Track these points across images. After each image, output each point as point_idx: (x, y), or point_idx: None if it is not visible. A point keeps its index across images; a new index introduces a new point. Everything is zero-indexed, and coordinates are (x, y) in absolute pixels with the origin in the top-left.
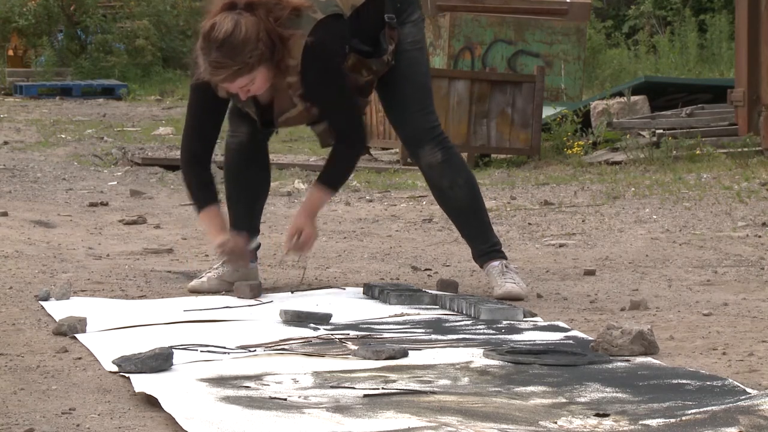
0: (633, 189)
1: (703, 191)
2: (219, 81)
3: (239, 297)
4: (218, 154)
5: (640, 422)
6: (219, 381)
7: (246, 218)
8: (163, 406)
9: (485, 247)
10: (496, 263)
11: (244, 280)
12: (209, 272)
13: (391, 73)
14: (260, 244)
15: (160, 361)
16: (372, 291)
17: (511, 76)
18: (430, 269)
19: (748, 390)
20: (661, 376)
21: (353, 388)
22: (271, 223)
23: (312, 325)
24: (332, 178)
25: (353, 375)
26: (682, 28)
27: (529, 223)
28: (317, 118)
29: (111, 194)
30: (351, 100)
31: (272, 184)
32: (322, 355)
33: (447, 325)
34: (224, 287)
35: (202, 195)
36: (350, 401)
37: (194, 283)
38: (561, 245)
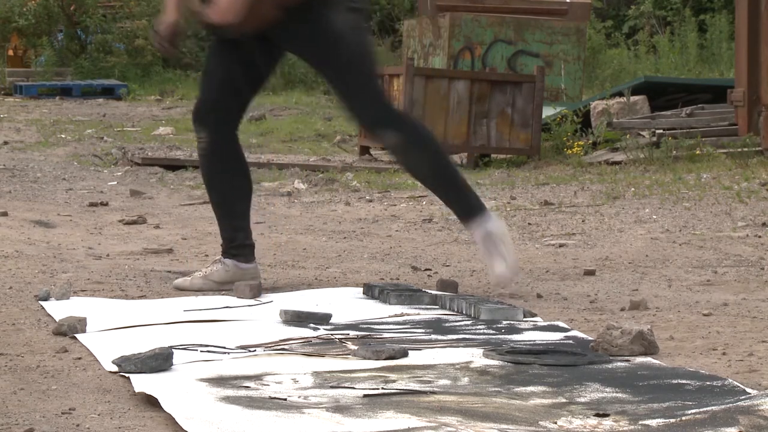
0: (633, 189)
1: (703, 191)
2: None
3: (239, 297)
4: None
5: (640, 422)
6: (219, 381)
7: (226, 220)
8: (163, 406)
9: (464, 211)
10: (478, 232)
11: (246, 280)
12: (198, 272)
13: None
14: (254, 243)
15: (160, 361)
16: (372, 291)
17: (511, 76)
18: (430, 269)
19: (748, 390)
20: (661, 376)
21: (353, 388)
22: (271, 223)
23: (312, 325)
24: None
25: (353, 375)
26: (682, 28)
27: (529, 223)
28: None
29: (111, 194)
30: None
31: (272, 184)
32: (322, 355)
33: (447, 325)
34: (209, 286)
35: None
36: (350, 401)
37: (179, 281)
38: (561, 245)
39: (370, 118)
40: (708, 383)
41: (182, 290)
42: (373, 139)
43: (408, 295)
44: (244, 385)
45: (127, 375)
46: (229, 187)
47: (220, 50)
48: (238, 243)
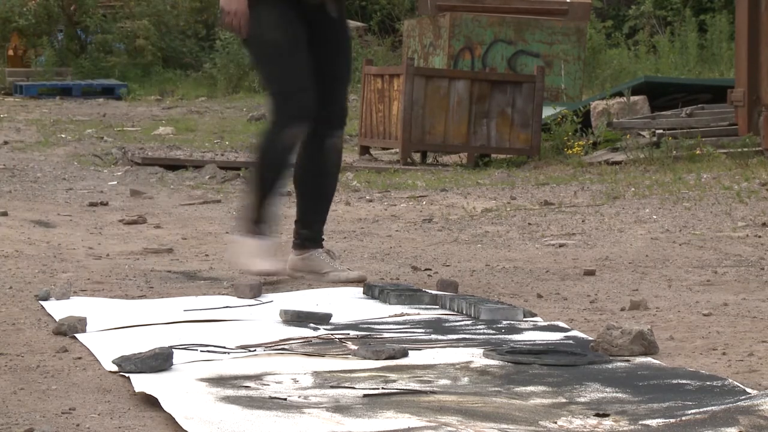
0: (633, 189)
1: (703, 191)
2: None
3: (239, 297)
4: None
5: (640, 422)
6: (219, 381)
7: (275, 209)
8: (162, 406)
9: (321, 234)
10: (322, 250)
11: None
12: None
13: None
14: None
15: (160, 360)
16: (372, 291)
17: (511, 76)
18: (430, 269)
19: (748, 390)
20: (661, 376)
21: (353, 388)
22: None
23: (312, 325)
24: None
25: (353, 375)
26: (682, 28)
27: (529, 223)
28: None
29: (111, 194)
30: None
31: None
32: (322, 355)
33: (447, 325)
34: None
35: None
36: (350, 401)
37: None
38: (561, 245)
39: (345, 114)
40: (708, 383)
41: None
42: (331, 132)
43: (408, 295)
44: (244, 385)
45: (127, 375)
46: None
47: (300, 41)
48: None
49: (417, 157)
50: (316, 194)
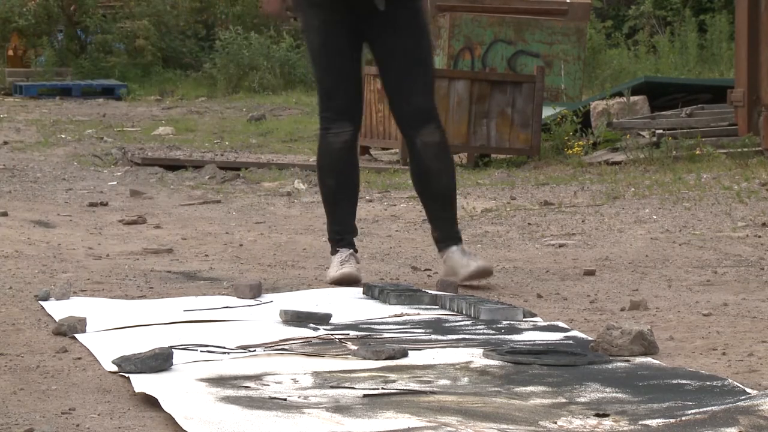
0: (633, 189)
1: (702, 191)
2: None
3: (239, 297)
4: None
5: (640, 422)
6: (219, 381)
7: (350, 215)
8: (162, 406)
9: (452, 232)
10: (455, 247)
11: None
12: (345, 263)
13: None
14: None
15: (159, 361)
16: (372, 291)
17: (511, 76)
18: (430, 269)
19: (748, 390)
20: (661, 376)
21: (353, 388)
22: (271, 223)
23: (312, 325)
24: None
25: (353, 375)
26: (682, 28)
27: (529, 223)
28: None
29: (111, 194)
30: None
31: (272, 184)
32: (322, 355)
33: (447, 325)
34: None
35: None
36: (350, 401)
37: (347, 269)
38: (561, 245)
39: (424, 109)
40: (708, 383)
41: (348, 280)
42: (414, 132)
43: (408, 295)
44: (244, 385)
45: (127, 375)
46: (358, 179)
47: (338, 43)
48: (356, 234)
49: None
50: (428, 195)
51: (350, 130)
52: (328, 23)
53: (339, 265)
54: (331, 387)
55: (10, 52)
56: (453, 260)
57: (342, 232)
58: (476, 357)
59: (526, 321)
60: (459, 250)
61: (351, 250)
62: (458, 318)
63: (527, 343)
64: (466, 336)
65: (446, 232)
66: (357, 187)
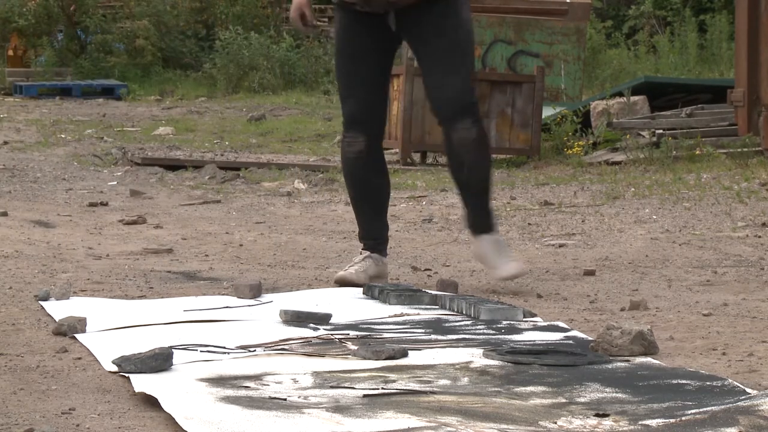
0: (633, 189)
1: (702, 191)
2: None
3: (239, 297)
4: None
5: (640, 422)
6: (219, 381)
7: (374, 221)
8: (162, 406)
9: (485, 221)
10: (487, 236)
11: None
12: (353, 265)
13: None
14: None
15: (160, 361)
16: (372, 291)
17: (511, 76)
18: (430, 269)
19: (748, 390)
20: (661, 376)
21: (353, 388)
22: (271, 223)
23: (312, 325)
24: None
25: (353, 375)
26: (682, 28)
27: (529, 223)
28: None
29: (111, 194)
30: None
31: (272, 184)
32: (322, 355)
33: (447, 325)
34: (367, 281)
35: None
36: (350, 401)
37: (343, 273)
38: (561, 245)
39: (462, 102)
40: (708, 383)
41: (344, 283)
42: (450, 125)
43: (408, 295)
44: (244, 385)
45: (127, 375)
46: (380, 186)
47: (356, 49)
48: (384, 239)
49: (417, 157)
50: (461, 185)
51: (362, 141)
52: (348, 29)
53: (348, 266)
54: (331, 387)
55: (10, 52)
56: (485, 250)
57: (365, 237)
58: (476, 357)
59: (526, 321)
60: (491, 240)
61: (368, 253)
62: (458, 318)
63: (527, 343)
64: (466, 336)
65: (478, 220)
66: (380, 194)
